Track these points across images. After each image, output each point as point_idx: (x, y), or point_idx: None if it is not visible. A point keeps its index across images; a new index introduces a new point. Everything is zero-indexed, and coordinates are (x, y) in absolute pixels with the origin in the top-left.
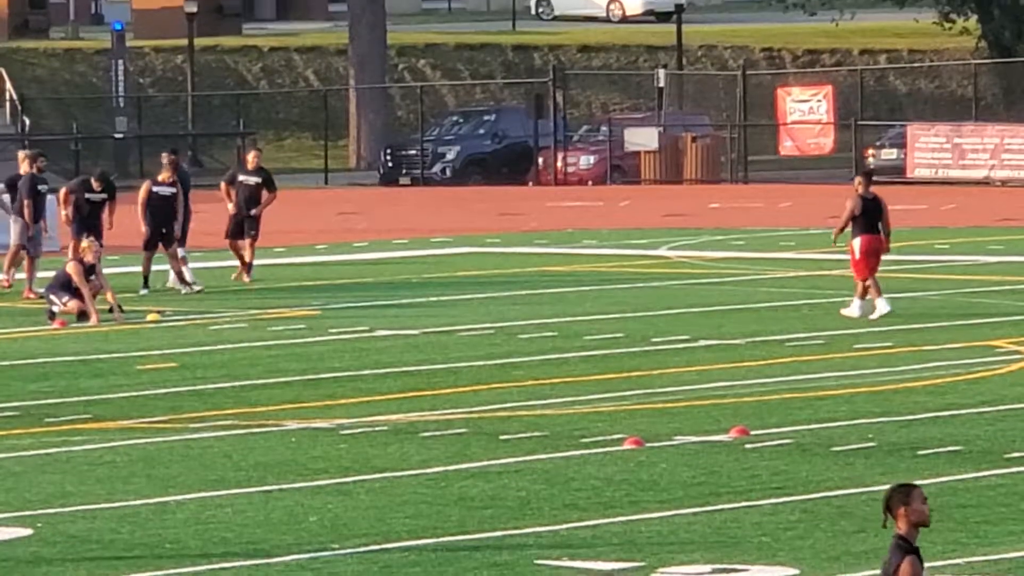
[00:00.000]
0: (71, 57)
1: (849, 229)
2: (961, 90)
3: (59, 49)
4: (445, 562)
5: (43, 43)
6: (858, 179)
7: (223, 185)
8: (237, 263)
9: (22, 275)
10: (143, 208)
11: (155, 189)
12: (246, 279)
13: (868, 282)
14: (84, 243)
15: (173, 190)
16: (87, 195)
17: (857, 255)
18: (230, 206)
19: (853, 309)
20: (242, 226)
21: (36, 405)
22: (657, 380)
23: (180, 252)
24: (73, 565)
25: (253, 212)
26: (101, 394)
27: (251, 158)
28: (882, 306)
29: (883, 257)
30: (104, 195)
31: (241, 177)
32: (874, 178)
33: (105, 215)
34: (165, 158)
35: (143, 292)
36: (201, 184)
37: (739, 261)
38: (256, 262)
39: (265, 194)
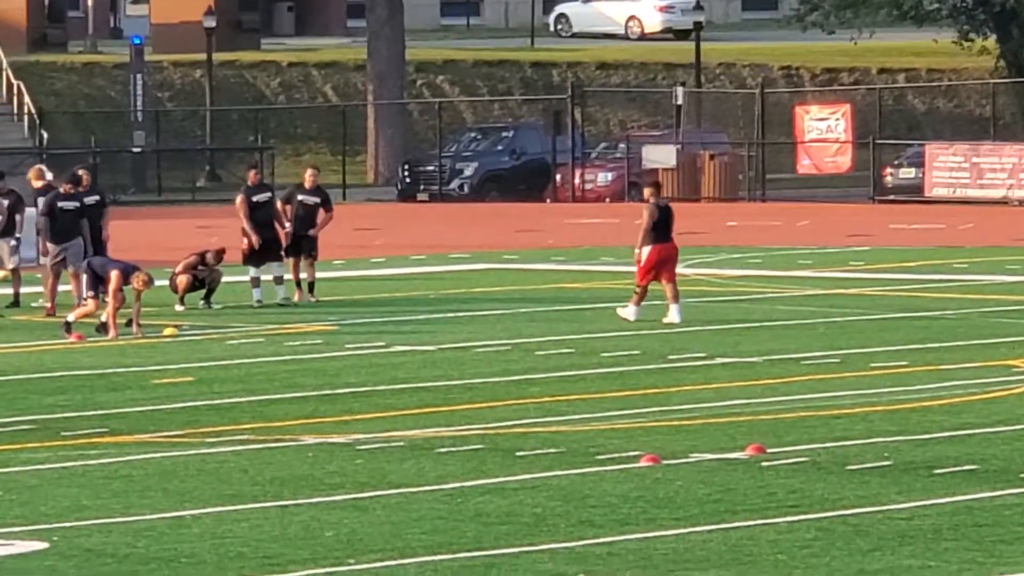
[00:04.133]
0: (90, 71)
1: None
2: (979, 109)
3: (78, 63)
4: None
5: (62, 57)
6: (647, 190)
7: (279, 204)
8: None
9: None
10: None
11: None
12: (312, 299)
13: (640, 289)
14: (143, 276)
15: (268, 195)
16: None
17: (644, 261)
18: (287, 224)
19: (629, 311)
20: (298, 245)
21: (52, 419)
22: (674, 397)
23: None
24: None
25: (311, 232)
26: (117, 408)
27: (308, 177)
28: (674, 314)
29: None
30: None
31: (300, 196)
32: (890, 198)
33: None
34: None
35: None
36: (218, 199)
37: (756, 279)
38: (269, 277)
39: (322, 213)
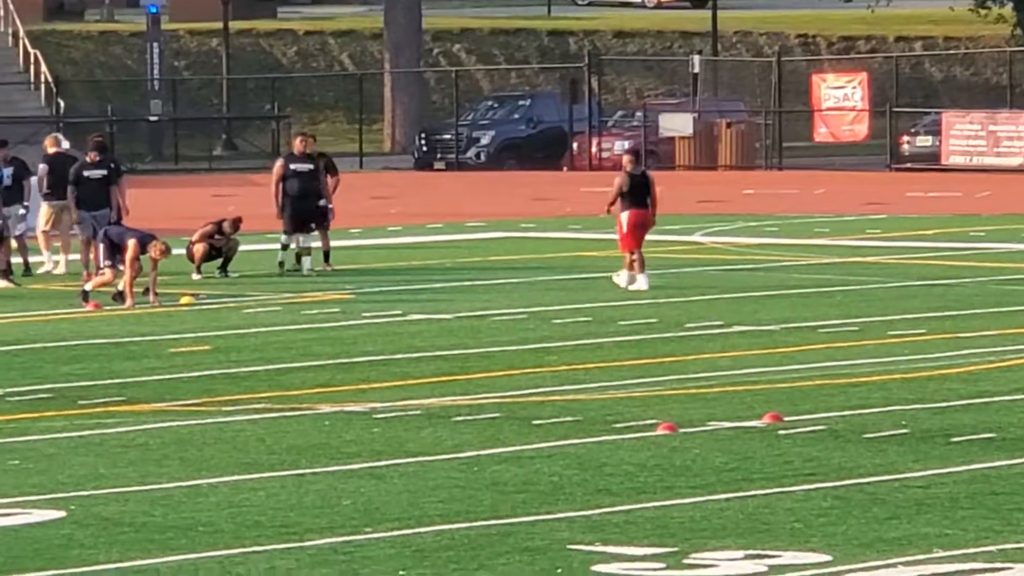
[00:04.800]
0: (106, 40)
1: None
2: (996, 77)
3: (94, 31)
4: (477, 546)
5: (78, 25)
6: (626, 157)
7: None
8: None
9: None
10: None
11: (292, 166)
12: (327, 268)
13: (634, 255)
14: (160, 244)
15: (311, 166)
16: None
17: (624, 228)
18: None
19: (622, 278)
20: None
21: (69, 387)
22: (691, 366)
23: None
24: (105, 547)
25: (321, 203)
26: (134, 377)
27: (298, 144)
28: (642, 282)
29: (649, 231)
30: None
31: (291, 165)
32: (907, 166)
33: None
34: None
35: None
36: (235, 168)
37: (773, 247)
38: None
39: (329, 180)
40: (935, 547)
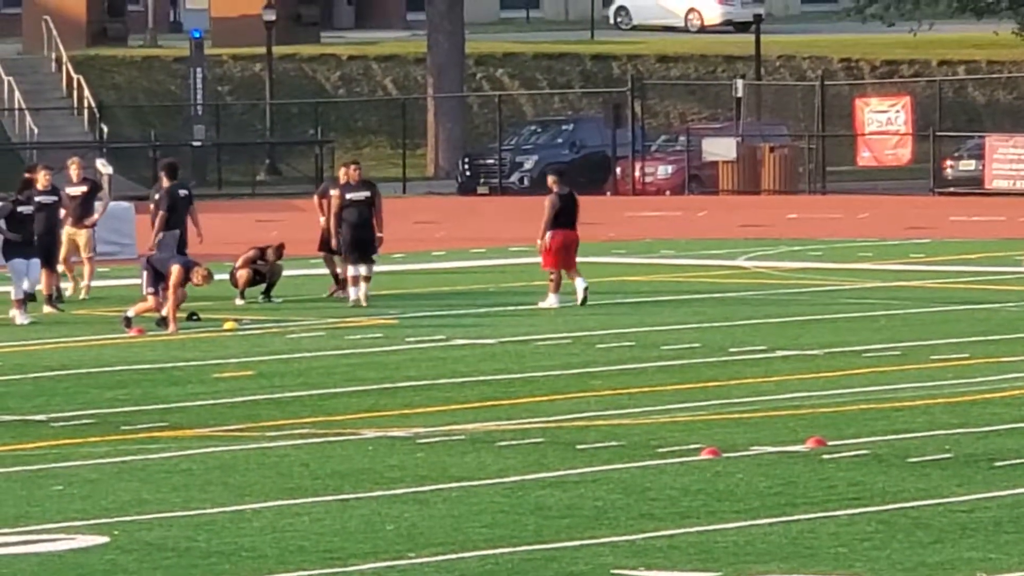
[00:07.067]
0: (149, 65)
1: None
2: None
3: (137, 57)
4: (521, 571)
5: (121, 51)
6: (551, 178)
7: (316, 198)
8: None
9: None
10: (336, 217)
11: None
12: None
13: (554, 275)
14: (202, 271)
15: (367, 193)
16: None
17: (549, 247)
18: (322, 219)
19: (551, 301)
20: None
21: (113, 413)
22: (734, 390)
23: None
24: (149, 573)
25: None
26: (178, 402)
27: (353, 173)
28: (552, 300)
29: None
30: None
31: (334, 191)
32: (950, 190)
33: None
34: (353, 168)
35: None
36: (278, 193)
37: (817, 272)
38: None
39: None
40: (979, 571)
